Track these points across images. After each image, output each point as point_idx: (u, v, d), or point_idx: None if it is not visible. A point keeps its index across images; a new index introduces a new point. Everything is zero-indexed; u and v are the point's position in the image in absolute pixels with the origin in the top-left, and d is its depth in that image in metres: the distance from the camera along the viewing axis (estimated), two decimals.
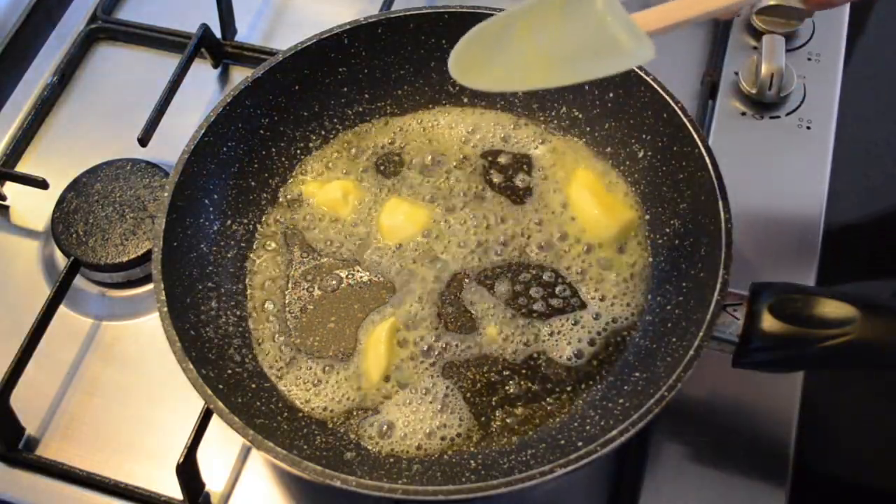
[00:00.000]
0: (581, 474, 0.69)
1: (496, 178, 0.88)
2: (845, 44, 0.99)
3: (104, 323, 0.89)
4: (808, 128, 0.93)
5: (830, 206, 0.89)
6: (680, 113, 0.79)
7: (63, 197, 0.91)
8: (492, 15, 0.76)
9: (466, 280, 0.83)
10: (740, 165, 0.90)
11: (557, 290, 0.82)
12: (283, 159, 0.89)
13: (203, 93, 1.02)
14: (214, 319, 0.79)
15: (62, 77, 1.03)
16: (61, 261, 0.91)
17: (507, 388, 0.78)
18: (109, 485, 0.79)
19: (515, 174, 0.88)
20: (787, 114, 0.94)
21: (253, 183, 0.87)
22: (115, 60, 1.06)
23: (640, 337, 0.79)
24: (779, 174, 0.91)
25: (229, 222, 0.85)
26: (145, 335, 0.88)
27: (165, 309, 0.72)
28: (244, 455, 0.81)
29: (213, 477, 0.79)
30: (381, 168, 0.90)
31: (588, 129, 0.88)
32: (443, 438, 0.75)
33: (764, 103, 0.95)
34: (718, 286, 0.70)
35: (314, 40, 0.86)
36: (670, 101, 0.79)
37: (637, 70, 0.81)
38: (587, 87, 0.86)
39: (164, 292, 0.73)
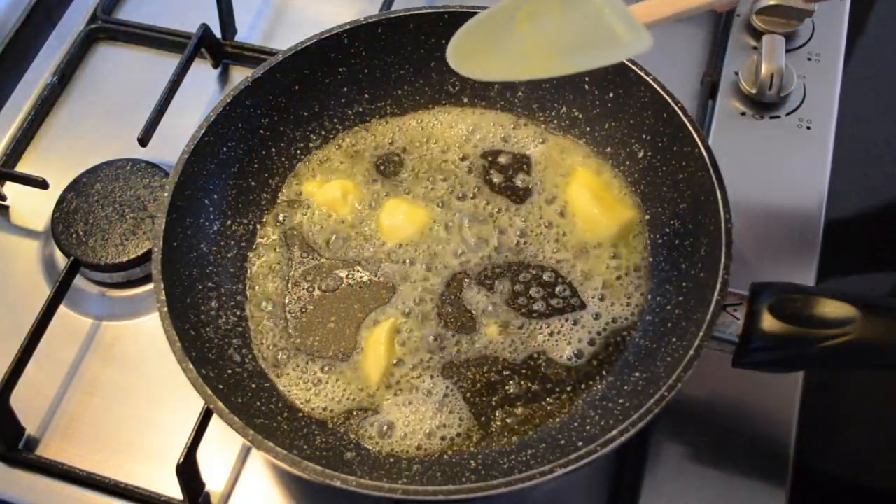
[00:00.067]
0: (581, 474, 0.69)
1: (496, 178, 0.88)
2: (845, 44, 0.99)
3: (104, 323, 0.89)
4: (808, 128, 0.93)
5: (830, 205, 0.89)
6: (680, 113, 0.79)
7: (63, 197, 0.91)
8: None
9: (466, 280, 0.83)
10: (740, 165, 0.90)
11: (557, 290, 0.82)
12: (283, 159, 0.89)
13: (203, 93, 1.02)
14: (214, 319, 0.79)
15: (62, 77, 1.03)
16: (61, 261, 0.91)
17: (507, 388, 0.78)
18: (109, 485, 0.79)
19: (515, 174, 0.89)
20: (787, 114, 0.94)
21: (253, 183, 0.87)
22: (115, 60, 1.06)
23: (640, 337, 0.79)
24: (779, 174, 0.91)
25: (229, 222, 0.85)
26: (145, 335, 0.88)
27: (165, 309, 0.72)
28: (244, 455, 0.81)
29: (213, 477, 0.79)
30: (381, 168, 0.90)
31: (588, 129, 0.88)
32: (443, 438, 0.75)
33: (764, 103, 0.95)
34: (718, 286, 0.70)
35: (314, 40, 0.86)
36: (670, 101, 0.79)
37: (637, 70, 0.81)
38: (587, 87, 0.86)
39: (164, 292, 0.73)
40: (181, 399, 0.81)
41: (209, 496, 0.79)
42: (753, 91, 0.94)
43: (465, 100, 0.92)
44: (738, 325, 0.70)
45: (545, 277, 0.83)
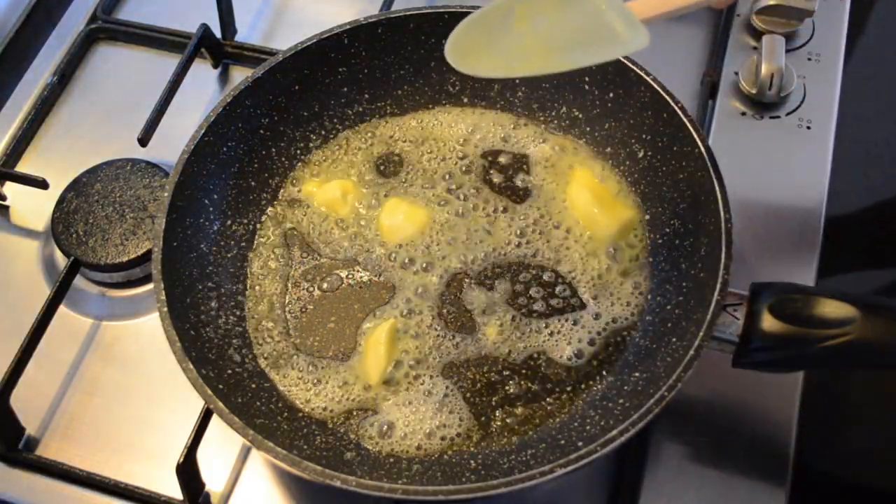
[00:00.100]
0: (581, 474, 0.69)
1: (496, 178, 0.88)
2: (845, 44, 0.99)
3: (104, 323, 0.89)
4: (808, 128, 0.93)
5: (830, 205, 0.89)
6: (680, 113, 0.79)
7: (63, 197, 0.91)
8: None
9: (466, 280, 0.83)
10: (740, 165, 0.90)
11: (557, 290, 0.82)
12: (283, 159, 0.89)
13: (203, 93, 1.02)
14: (214, 319, 0.79)
15: (62, 77, 1.03)
16: (61, 261, 0.91)
17: (507, 388, 0.78)
18: (109, 485, 0.79)
19: (515, 174, 0.88)
20: (787, 114, 0.94)
21: (253, 183, 0.87)
22: (115, 60, 1.06)
23: (640, 337, 0.79)
24: (779, 174, 0.91)
25: (229, 222, 0.85)
26: (145, 335, 0.88)
27: (165, 309, 0.72)
28: (244, 455, 0.81)
29: (213, 477, 0.79)
30: (381, 168, 0.90)
31: (588, 128, 0.88)
32: (443, 438, 0.75)
33: (764, 103, 0.95)
34: (718, 286, 0.70)
35: (314, 40, 0.86)
36: (670, 101, 0.79)
37: (637, 70, 0.81)
38: (587, 87, 0.86)
39: (164, 292, 0.73)
40: (181, 399, 0.81)
41: (209, 496, 0.79)
42: (753, 91, 0.94)
43: (465, 100, 0.92)
44: (738, 325, 0.70)
45: (545, 277, 0.83)
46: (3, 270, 0.92)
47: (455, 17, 0.84)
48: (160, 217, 0.77)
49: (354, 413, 0.77)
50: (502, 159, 0.89)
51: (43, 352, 0.83)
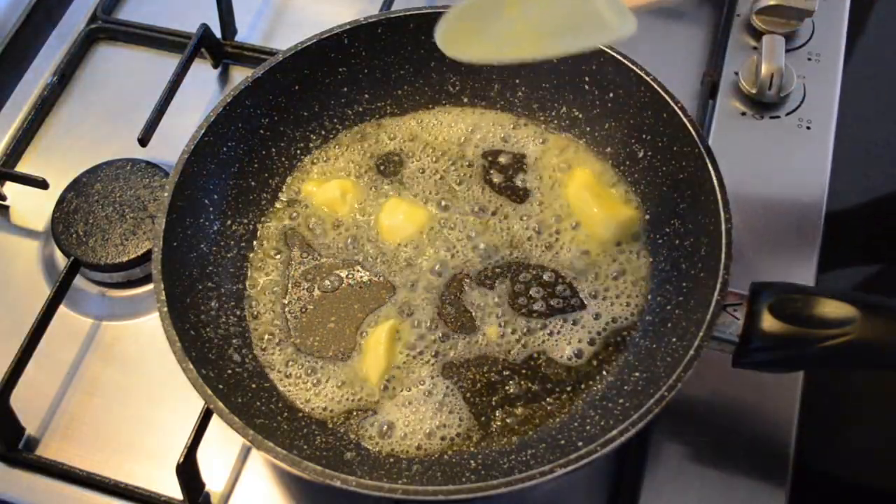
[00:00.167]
0: (581, 474, 0.69)
1: (496, 178, 0.88)
2: (845, 44, 0.99)
3: (104, 323, 0.89)
4: (808, 128, 0.93)
5: (830, 205, 0.89)
6: (680, 113, 0.79)
7: (63, 197, 0.91)
8: None
9: (466, 280, 0.83)
10: (740, 165, 0.90)
11: (557, 289, 0.82)
12: (283, 159, 0.89)
13: (203, 93, 1.02)
14: (214, 319, 0.79)
15: (62, 77, 1.03)
16: (61, 261, 0.91)
17: (507, 388, 0.78)
18: (109, 485, 0.79)
19: (515, 174, 0.88)
20: (787, 114, 0.94)
21: (253, 183, 0.87)
22: (115, 60, 1.06)
23: (640, 337, 0.79)
24: (779, 174, 0.91)
25: (229, 222, 0.85)
26: (145, 335, 0.88)
27: (165, 309, 0.72)
28: (244, 455, 0.81)
29: (213, 477, 0.79)
30: (381, 168, 0.90)
31: (588, 129, 0.88)
32: (443, 438, 0.75)
33: (764, 103, 0.95)
34: (718, 286, 0.70)
35: (314, 40, 0.86)
36: (670, 101, 0.79)
37: (637, 70, 0.81)
38: (587, 87, 0.86)
39: (164, 292, 0.73)
40: (181, 399, 0.81)
41: (209, 496, 0.79)
42: (753, 91, 0.94)
43: (465, 100, 0.92)
44: (738, 325, 0.70)
45: (545, 277, 0.83)
46: (3, 270, 0.92)
47: None
48: (160, 217, 0.77)
49: (354, 413, 0.77)
50: (502, 159, 0.89)
51: (43, 352, 0.83)
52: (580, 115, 0.88)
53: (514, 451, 0.74)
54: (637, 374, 0.75)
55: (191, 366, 0.69)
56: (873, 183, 1.06)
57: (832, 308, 0.68)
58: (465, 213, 0.86)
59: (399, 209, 0.86)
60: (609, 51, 0.82)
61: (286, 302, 0.83)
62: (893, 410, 0.91)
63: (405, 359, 0.79)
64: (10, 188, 0.96)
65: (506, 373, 0.78)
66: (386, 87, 0.91)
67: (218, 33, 1.02)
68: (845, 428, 0.90)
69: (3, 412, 0.80)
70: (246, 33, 1.06)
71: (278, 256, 0.85)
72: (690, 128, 0.78)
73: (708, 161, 0.76)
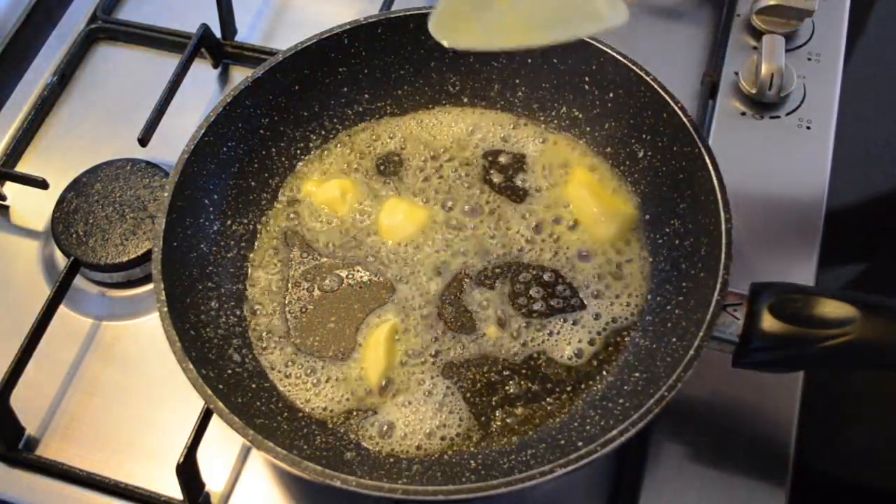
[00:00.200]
0: (581, 474, 0.69)
1: (496, 178, 0.88)
2: (845, 44, 0.99)
3: (104, 323, 0.89)
4: (808, 128, 0.93)
5: (830, 205, 0.89)
6: (680, 113, 0.79)
7: (63, 197, 0.91)
8: None
9: (466, 280, 0.83)
10: (740, 165, 0.90)
11: (557, 289, 0.82)
12: (283, 159, 0.89)
13: (203, 93, 1.02)
14: (214, 319, 0.79)
15: (62, 77, 1.03)
16: (61, 261, 0.91)
17: (507, 388, 0.78)
18: (109, 485, 0.79)
19: (515, 174, 0.88)
20: (787, 114, 0.94)
21: (253, 183, 0.87)
22: (115, 60, 1.06)
23: (640, 337, 0.79)
24: (779, 174, 0.91)
25: (229, 222, 0.85)
26: (145, 335, 0.88)
27: (165, 309, 0.72)
28: (244, 455, 0.81)
29: (213, 477, 0.79)
30: (381, 168, 0.90)
31: (588, 129, 0.88)
32: (443, 438, 0.75)
33: (764, 103, 0.95)
34: (718, 286, 0.70)
35: (314, 40, 0.86)
36: (670, 101, 0.79)
37: (637, 70, 0.81)
38: (587, 87, 0.86)
39: (164, 292, 0.73)
40: (181, 399, 0.81)
41: (209, 496, 0.79)
42: (753, 91, 0.94)
43: (465, 100, 0.92)
44: (738, 325, 0.70)
45: (545, 277, 0.83)
46: (3, 270, 0.92)
47: None
48: (160, 217, 0.77)
49: (354, 413, 0.77)
50: (502, 159, 0.89)
51: (43, 352, 0.83)
52: (580, 115, 0.88)
53: (514, 451, 0.74)
54: (637, 374, 0.75)
55: (191, 366, 0.69)
56: (873, 183, 1.06)
57: (832, 308, 0.68)
58: (465, 212, 0.86)
59: (399, 209, 0.86)
60: (609, 51, 0.82)
61: (286, 302, 0.83)
62: (893, 410, 0.91)
63: (405, 359, 0.79)
64: (10, 188, 0.96)
65: (506, 373, 0.78)
66: (386, 87, 0.91)
67: (218, 33, 1.02)
68: (845, 428, 0.90)
69: (3, 412, 0.80)
70: (246, 33, 1.06)
71: (278, 256, 0.85)
72: (690, 128, 0.78)
73: (708, 161, 0.76)
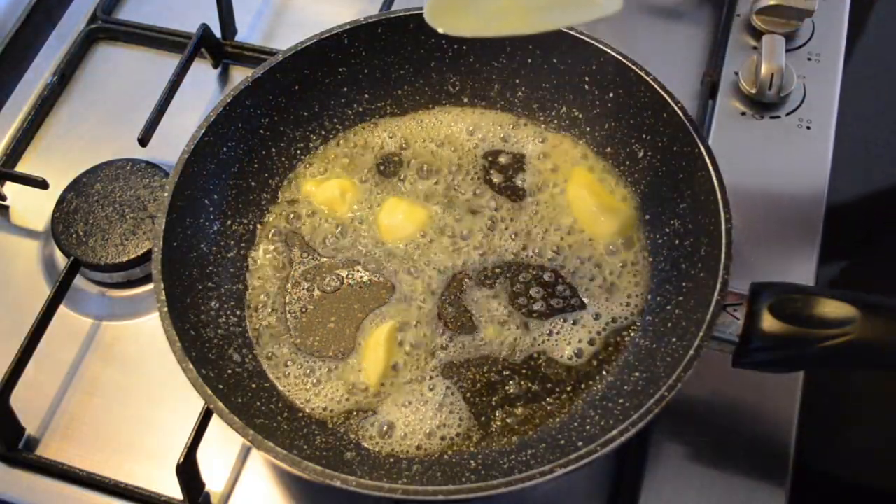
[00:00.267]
0: (581, 474, 0.69)
1: (496, 178, 0.88)
2: (845, 44, 0.99)
3: (104, 323, 0.89)
4: (808, 128, 0.93)
5: (830, 205, 0.89)
6: (680, 113, 0.79)
7: (63, 197, 0.91)
8: None
9: (466, 280, 0.83)
10: (740, 165, 0.90)
11: (557, 289, 0.82)
12: (283, 159, 0.89)
13: (203, 93, 1.02)
14: (214, 319, 0.79)
15: (62, 77, 1.03)
16: (61, 261, 0.91)
17: (507, 388, 0.78)
18: (109, 485, 0.79)
19: (515, 174, 0.88)
20: (787, 114, 0.94)
21: (253, 183, 0.87)
22: (115, 60, 1.06)
23: (640, 337, 0.79)
24: (779, 174, 0.91)
25: (229, 222, 0.85)
26: (145, 335, 0.88)
27: (165, 309, 0.72)
28: (244, 455, 0.81)
29: (213, 477, 0.79)
30: (381, 168, 0.90)
31: (588, 129, 0.88)
32: (443, 438, 0.75)
33: (764, 103, 0.95)
34: (718, 286, 0.70)
35: (314, 40, 0.86)
36: (670, 101, 0.79)
37: (637, 70, 0.81)
38: (587, 87, 0.86)
39: (164, 292, 0.73)
40: (181, 399, 0.81)
41: (209, 496, 0.79)
42: (753, 91, 0.94)
43: (465, 100, 0.92)
44: (738, 325, 0.70)
45: (545, 277, 0.83)
46: (3, 270, 0.92)
47: None
48: (160, 217, 0.77)
49: (354, 413, 0.77)
50: (502, 159, 0.89)
51: (43, 352, 0.83)
52: (580, 115, 0.88)
53: (514, 451, 0.74)
54: (637, 374, 0.75)
55: (191, 366, 0.69)
56: (873, 183, 1.06)
57: (832, 308, 0.68)
58: (465, 212, 0.86)
59: (399, 209, 0.86)
60: (609, 51, 0.82)
61: (286, 302, 0.83)
62: (893, 410, 0.91)
63: (405, 359, 0.79)
64: (10, 188, 0.96)
65: (506, 373, 0.78)
66: (386, 87, 0.91)
67: (218, 33, 1.02)
68: (845, 428, 0.90)
69: (3, 412, 0.80)
70: (246, 33, 1.06)
71: (278, 257, 0.85)
72: (690, 128, 0.78)
73: (708, 161, 0.76)
